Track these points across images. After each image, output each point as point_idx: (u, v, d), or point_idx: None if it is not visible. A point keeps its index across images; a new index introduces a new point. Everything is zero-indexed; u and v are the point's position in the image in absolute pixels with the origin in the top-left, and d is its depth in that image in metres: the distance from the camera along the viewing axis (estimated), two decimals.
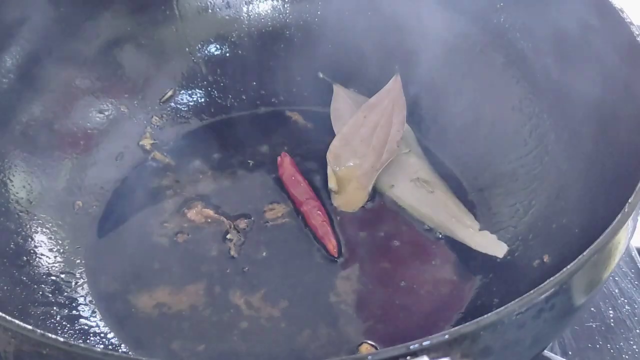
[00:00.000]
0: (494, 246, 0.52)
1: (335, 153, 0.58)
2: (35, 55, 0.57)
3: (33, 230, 0.53)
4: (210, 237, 0.54)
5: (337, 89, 0.63)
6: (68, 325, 0.48)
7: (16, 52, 0.56)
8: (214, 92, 0.64)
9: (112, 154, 0.60)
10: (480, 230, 0.53)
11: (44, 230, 0.54)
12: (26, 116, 0.56)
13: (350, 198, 0.57)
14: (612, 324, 0.55)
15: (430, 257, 0.53)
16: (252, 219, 0.55)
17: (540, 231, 0.51)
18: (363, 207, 0.56)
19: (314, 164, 0.59)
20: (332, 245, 0.53)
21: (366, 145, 0.58)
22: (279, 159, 0.58)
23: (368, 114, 0.59)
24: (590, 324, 0.55)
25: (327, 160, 0.58)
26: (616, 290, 0.57)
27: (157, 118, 0.62)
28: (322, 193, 0.57)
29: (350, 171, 0.58)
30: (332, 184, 0.57)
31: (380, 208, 0.56)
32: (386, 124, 0.58)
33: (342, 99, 0.62)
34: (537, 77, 0.55)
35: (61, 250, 0.53)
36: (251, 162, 0.60)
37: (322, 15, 0.65)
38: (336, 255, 0.53)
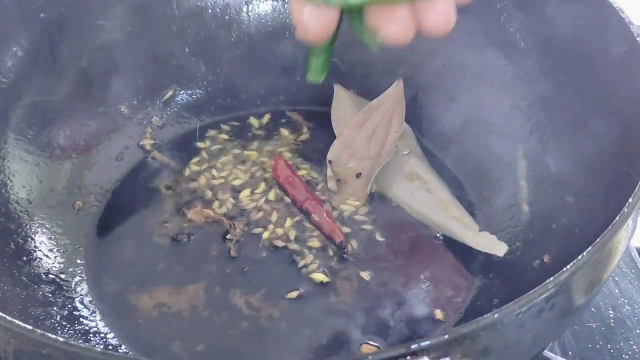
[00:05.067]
0: (494, 245, 0.52)
1: (335, 154, 0.58)
2: (35, 56, 0.57)
3: (33, 230, 0.53)
4: (210, 237, 0.54)
5: (338, 90, 0.63)
6: (68, 325, 0.48)
7: (16, 52, 0.56)
8: (214, 92, 0.64)
9: (112, 154, 0.60)
10: (480, 231, 0.53)
11: (44, 230, 0.54)
12: (26, 116, 0.56)
13: (349, 199, 0.57)
14: (612, 324, 0.55)
15: (430, 257, 0.53)
16: (252, 218, 0.55)
17: (540, 231, 0.51)
18: (362, 207, 0.56)
19: (313, 164, 0.59)
20: (341, 239, 0.53)
21: (365, 147, 0.58)
22: (272, 162, 0.58)
23: (368, 116, 0.59)
24: (590, 324, 0.55)
25: (327, 161, 0.58)
26: (616, 290, 0.57)
27: (157, 118, 0.63)
28: (321, 193, 0.57)
29: (349, 172, 0.58)
30: (331, 184, 0.57)
31: (379, 209, 0.56)
32: (385, 126, 0.58)
33: (342, 100, 0.62)
34: (537, 77, 0.55)
35: (61, 250, 0.53)
36: (251, 163, 0.60)
37: None
38: (347, 248, 0.53)
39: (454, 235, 0.54)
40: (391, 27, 0.35)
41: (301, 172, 0.58)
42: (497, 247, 0.52)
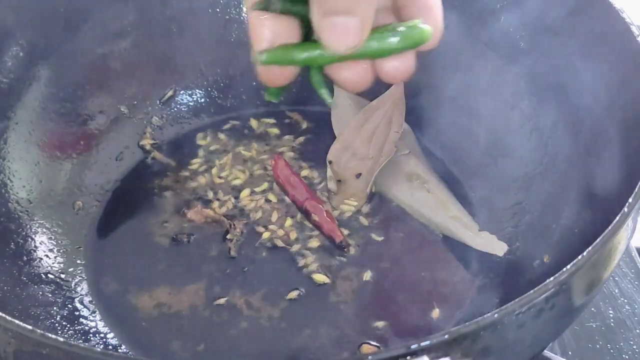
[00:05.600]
0: (494, 245, 0.52)
1: (335, 155, 0.58)
2: (36, 56, 0.57)
3: (33, 230, 0.53)
4: (210, 237, 0.54)
5: (338, 90, 0.63)
6: (68, 325, 0.48)
7: (16, 52, 0.56)
8: (214, 92, 0.64)
9: (112, 154, 0.60)
10: (480, 230, 0.53)
11: (44, 230, 0.54)
12: (26, 116, 0.56)
13: (349, 199, 0.57)
14: (612, 324, 0.55)
15: (430, 257, 0.53)
16: (252, 218, 0.55)
17: (540, 231, 0.51)
18: (362, 207, 0.56)
19: (313, 164, 0.59)
20: (341, 239, 0.53)
21: (366, 147, 0.58)
22: (272, 162, 0.58)
23: (369, 117, 0.59)
24: (590, 324, 0.55)
25: (327, 161, 0.58)
26: (616, 290, 0.57)
27: (157, 118, 0.63)
28: (321, 193, 0.57)
29: (349, 172, 0.58)
30: (331, 184, 0.57)
31: (379, 209, 0.56)
32: (385, 126, 0.58)
33: (342, 100, 0.62)
34: (537, 77, 0.55)
35: (61, 250, 0.53)
36: (251, 163, 0.60)
37: None
38: (347, 248, 0.53)
39: (454, 235, 0.54)
40: (350, 77, 0.37)
41: (301, 172, 0.58)
42: (497, 247, 0.52)
